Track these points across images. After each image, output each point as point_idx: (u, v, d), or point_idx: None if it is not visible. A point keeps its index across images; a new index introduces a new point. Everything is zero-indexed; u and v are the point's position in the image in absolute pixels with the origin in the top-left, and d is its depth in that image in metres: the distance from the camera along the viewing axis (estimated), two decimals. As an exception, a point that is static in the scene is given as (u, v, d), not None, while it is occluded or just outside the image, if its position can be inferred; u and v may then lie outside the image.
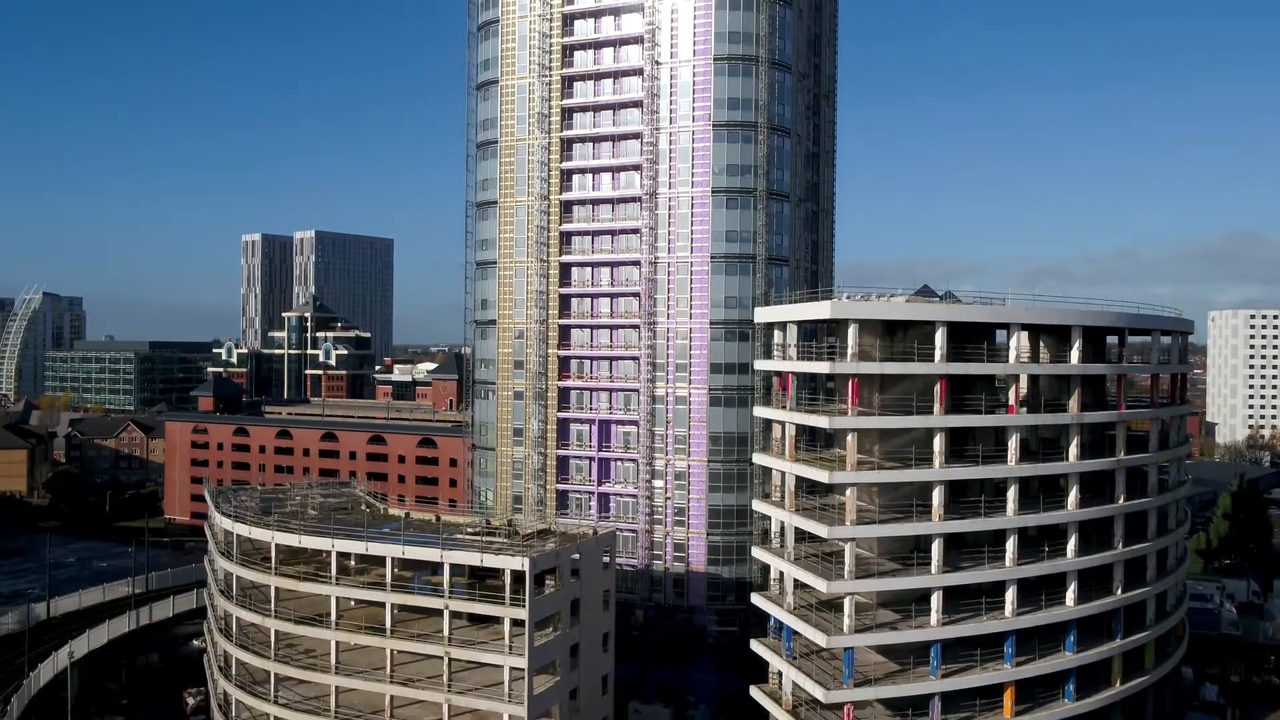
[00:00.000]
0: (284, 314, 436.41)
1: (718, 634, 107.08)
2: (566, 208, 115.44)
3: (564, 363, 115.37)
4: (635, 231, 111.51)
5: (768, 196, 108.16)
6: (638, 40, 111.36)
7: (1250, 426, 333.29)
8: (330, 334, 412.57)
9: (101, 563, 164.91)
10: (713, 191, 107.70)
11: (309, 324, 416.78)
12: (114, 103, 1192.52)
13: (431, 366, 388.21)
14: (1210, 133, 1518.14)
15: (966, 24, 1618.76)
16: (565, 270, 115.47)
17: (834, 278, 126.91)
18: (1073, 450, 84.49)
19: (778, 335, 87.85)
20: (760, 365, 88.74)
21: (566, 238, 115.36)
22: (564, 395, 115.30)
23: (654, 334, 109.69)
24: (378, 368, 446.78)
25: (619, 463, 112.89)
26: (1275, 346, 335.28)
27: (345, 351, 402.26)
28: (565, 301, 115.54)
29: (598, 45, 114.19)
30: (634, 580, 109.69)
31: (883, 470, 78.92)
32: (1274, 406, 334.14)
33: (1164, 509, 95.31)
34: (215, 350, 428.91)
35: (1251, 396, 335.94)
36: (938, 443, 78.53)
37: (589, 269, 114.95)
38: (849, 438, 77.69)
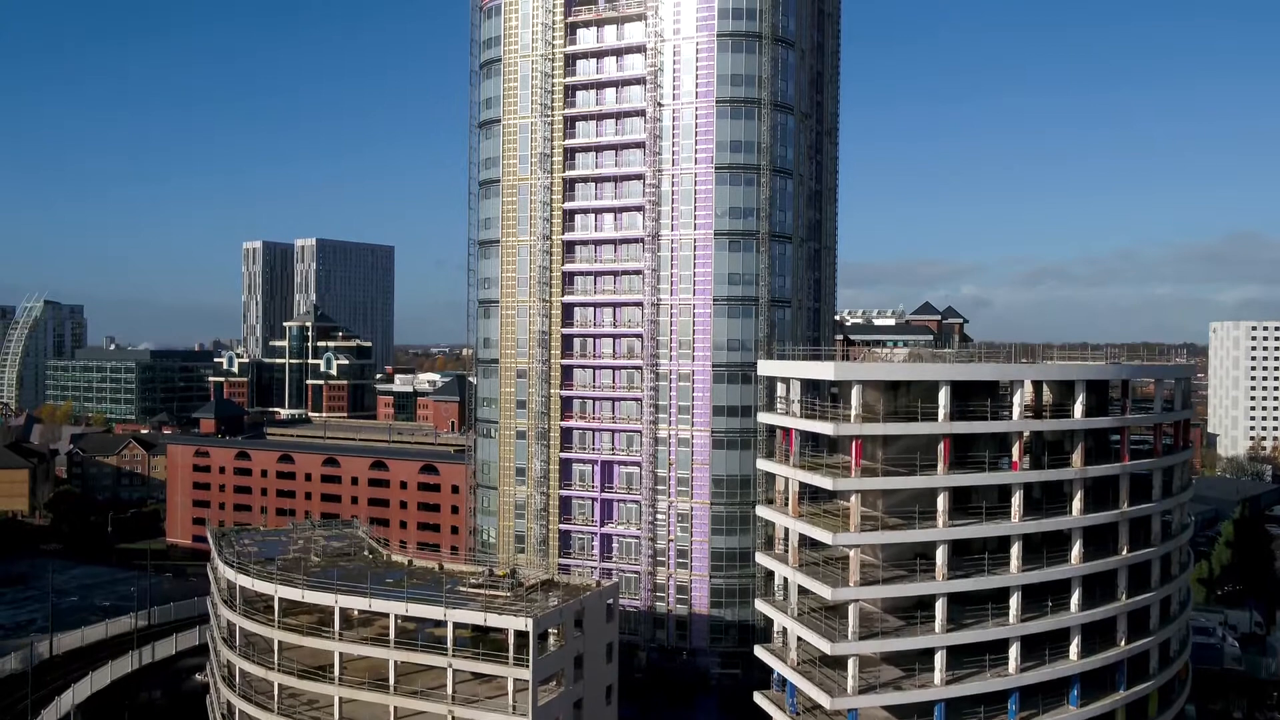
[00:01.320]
0: (285, 323, 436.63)
1: (720, 676, 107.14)
2: (569, 248, 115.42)
3: (566, 403, 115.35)
4: (638, 273, 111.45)
5: (770, 239, 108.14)
6: (640, 81, 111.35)
7: (1251, 438, 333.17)
8: (331, 343, 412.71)
9: (104, 593, 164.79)
10: (715, 234, 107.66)
11: (310, 333, 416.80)
12: (116, 107, 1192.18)
13: (433, 376, 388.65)
14: (1211, 133, 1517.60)
15: (967, 25, 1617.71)
16: (568, 310, 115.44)
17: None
18: (1076, 504, 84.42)
19: (780, 388, 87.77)
20: (763, 418, 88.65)
21: (569, 278, 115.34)
22: (566, 435, 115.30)
23: (656, 375, 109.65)
24: (379, 375, 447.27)
25: (622, 504, 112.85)
26: (1277, 358, 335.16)
27: (346, 361, 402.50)
28: (568, 341, 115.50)
29: (600, 86, 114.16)
30: (637, 621, 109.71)
31: (886, 531, 78.86)
32: (1275, 418, 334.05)
33: (1168, 556, 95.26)
34: (217, 360, 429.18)
35: (1253, 408, 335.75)
36: (941, 502, 78.51)
37: (591, 309, 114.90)
38: (852, 498, 77.64)
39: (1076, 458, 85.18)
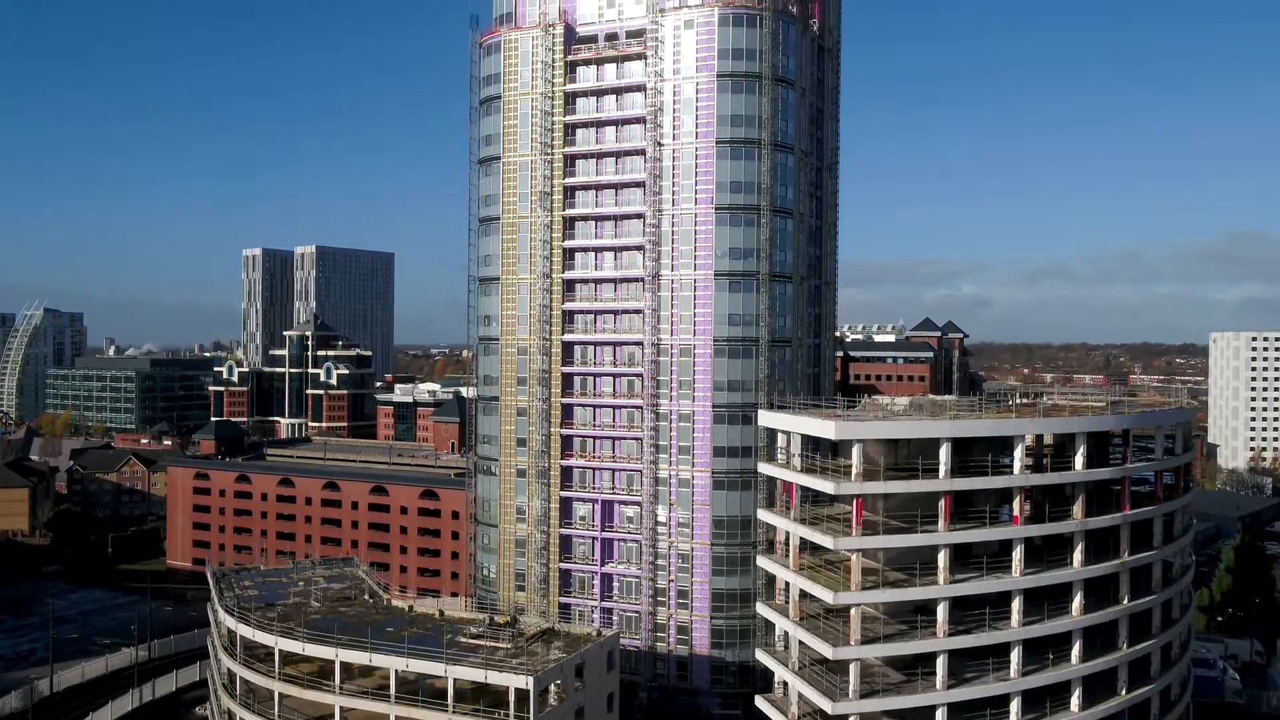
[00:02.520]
0: (285, 332, 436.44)
1: (721, 717, 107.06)
2: (569, 286, 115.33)
3: (567, 441, 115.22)
4: (638, 312, 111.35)
5: (770, 279, 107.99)
6: (640, 121, 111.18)
7: (1252, 448, 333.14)
8: (331, 352, 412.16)
9: (104, 619, 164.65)
10: (715, 275, 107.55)
11: (309, 342, 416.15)
12: (117, 110, 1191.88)
13: (433, 386, 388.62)
14: (1213, 133, 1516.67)
15: (968, 26, 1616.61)
16: (568, 348, 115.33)
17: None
18: (1077, 555, 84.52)
19: (781, 438, 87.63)
20: (764, 469, 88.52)
21: (569, 316, 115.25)
22: (566, 474, 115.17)
23: (657, 415, 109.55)
24: (379, 384, 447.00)
25: (622, 543, 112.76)
26: (1276, 369, 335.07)
27: (346, 371, 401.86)
28: (568, 380, 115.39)
29: (600, 124, 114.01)
30: (637, 661, 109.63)
31: (888, 589, 78.79)
32: (1276, 428, 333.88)
33: (1169, 601, 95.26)
34: (216, 369, 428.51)
35: (1253, 419, 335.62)
36: (942, 559, 78.55)
37: (592, 348, 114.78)
38: (853, 556, 77.54)
39: (1077, 509, 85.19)
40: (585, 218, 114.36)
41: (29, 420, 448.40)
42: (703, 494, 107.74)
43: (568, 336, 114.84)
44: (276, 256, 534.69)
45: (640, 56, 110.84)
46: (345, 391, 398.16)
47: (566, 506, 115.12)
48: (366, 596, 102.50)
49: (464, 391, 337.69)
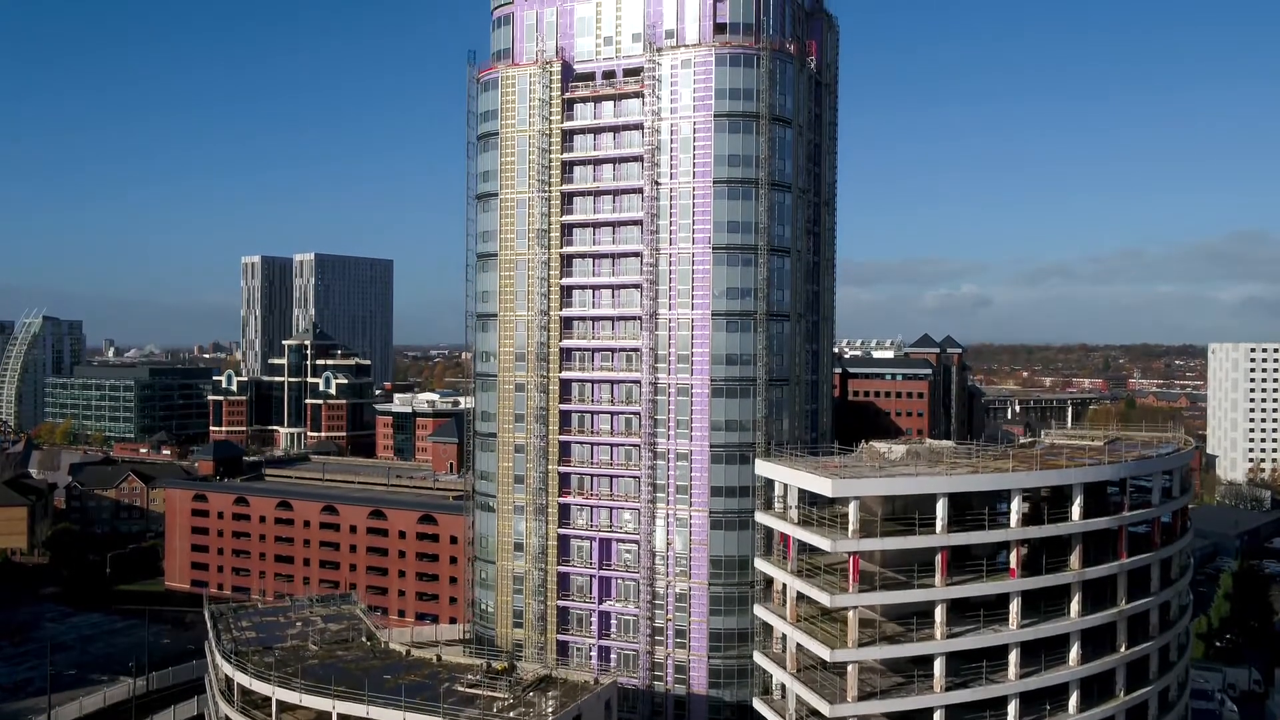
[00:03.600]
0: (284, 341, 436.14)
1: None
2: (566, 323, 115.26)
3: (564, 479, 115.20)
4: (635, 350, 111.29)
5: (768, 319, 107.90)
6: (637, 159, 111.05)
7: (1251, 459, 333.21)
8: (330, 361, 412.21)
9: (102, 645, 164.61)
10: (712, 314, 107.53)
11: (308, 351, 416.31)
12: (120, 113, 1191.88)
13: (431, 396, 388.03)
14: (1216, 133, 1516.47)
15: (969, 27, 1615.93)
16: (565, 386, 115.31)
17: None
18: (1074, 606, 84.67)
19: (778, 488, 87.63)
20: (760, 519, 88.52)
21: (566, 353, 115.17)
22: (564, 511, 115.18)
23: (654, 454, 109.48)
24: (378, 392, 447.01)
25: (620, 581, 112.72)
26: (1275, 381, 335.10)
27: (345, 380, 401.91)
28: (565, 417, 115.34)
29: (597, 162, 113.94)
30: (635, 700, 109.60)
31: (885, 644, 78.79)
32: (1274, 440, 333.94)
33: (1166, 645, 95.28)
34: (215, 378, 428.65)
35: (1252, 430, 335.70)
36: (939, 613, 78.63)
37: (590, 385, 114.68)
38: (850, 613, 77.53)
39: (1074, 559, 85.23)
40: (583, 255, 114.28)
41: (28, 429, 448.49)
42: (700, 534, 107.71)
43: (565, 374, 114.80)
44: (275, 264, 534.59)
45: (638, 95, 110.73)
46: (344, 401, 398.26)
47: (565, 543, 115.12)
48: (364, 639, 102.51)
49: (462, 402, 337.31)
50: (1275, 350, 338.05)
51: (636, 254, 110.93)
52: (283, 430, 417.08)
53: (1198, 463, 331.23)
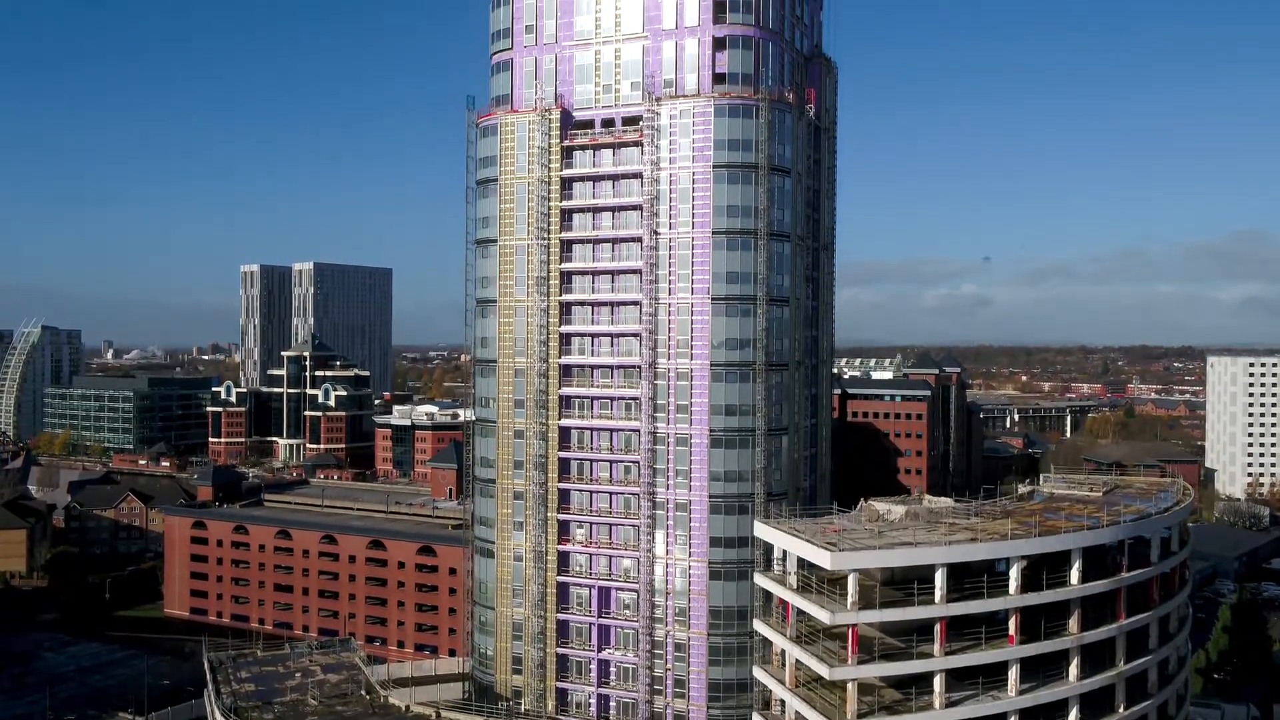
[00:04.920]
0: (283, 353, 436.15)
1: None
2: (565, 371, 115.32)
3: (564, 526, 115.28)
4: (635, 399, 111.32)
5: (767, 369, 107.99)
6: (636, 208, 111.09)
7: (1249, 475, 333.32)
8: (329, 373, 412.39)
9: (101, 677, 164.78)
10: (711, 365, 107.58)
11: (308, 363, 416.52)
12: (122, 113, 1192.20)
13: (431, 409, 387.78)
14: (1217, 133, 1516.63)
15: (971, 28, 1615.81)
16: (565, 433, 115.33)
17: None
18: (1073, 670, 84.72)
19: (777, 551, 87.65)
20: (760, 581, 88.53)
21: (566, 401, 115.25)
22: (564, 558, 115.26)
23: (653, 504, 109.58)
24: (377, 402, 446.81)
25: (619, 629, 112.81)
26: (1274, 396, 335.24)
27: (344, 393, 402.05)
28: (564, 464, 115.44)
29: (596, 210, 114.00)
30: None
31: (885, 715, 78.84)
32: (1274, 455, 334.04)
33: (1165, 702, 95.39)
34: (215, 389, 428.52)
35: (1251, 444, 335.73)
36: (938, 683, 78.75)
37: (589, 433, 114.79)
38: (850, 684, 77.63)
39: (1073, 623, 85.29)
40: (582, 303, 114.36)
41: (27, 439, 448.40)
42: (699, 583, 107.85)
43: (565, 421, 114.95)
44: (274, 273, 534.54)
45: (637, 144, 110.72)
46: (343, 414, 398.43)
47: (564, 591, 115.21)
48: (363, 692, 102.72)
49: (461, 414, 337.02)
50: (1274, 364, 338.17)
51: (636, 303, 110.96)
52: (282, 442, 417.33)
53: (1196, 477, 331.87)
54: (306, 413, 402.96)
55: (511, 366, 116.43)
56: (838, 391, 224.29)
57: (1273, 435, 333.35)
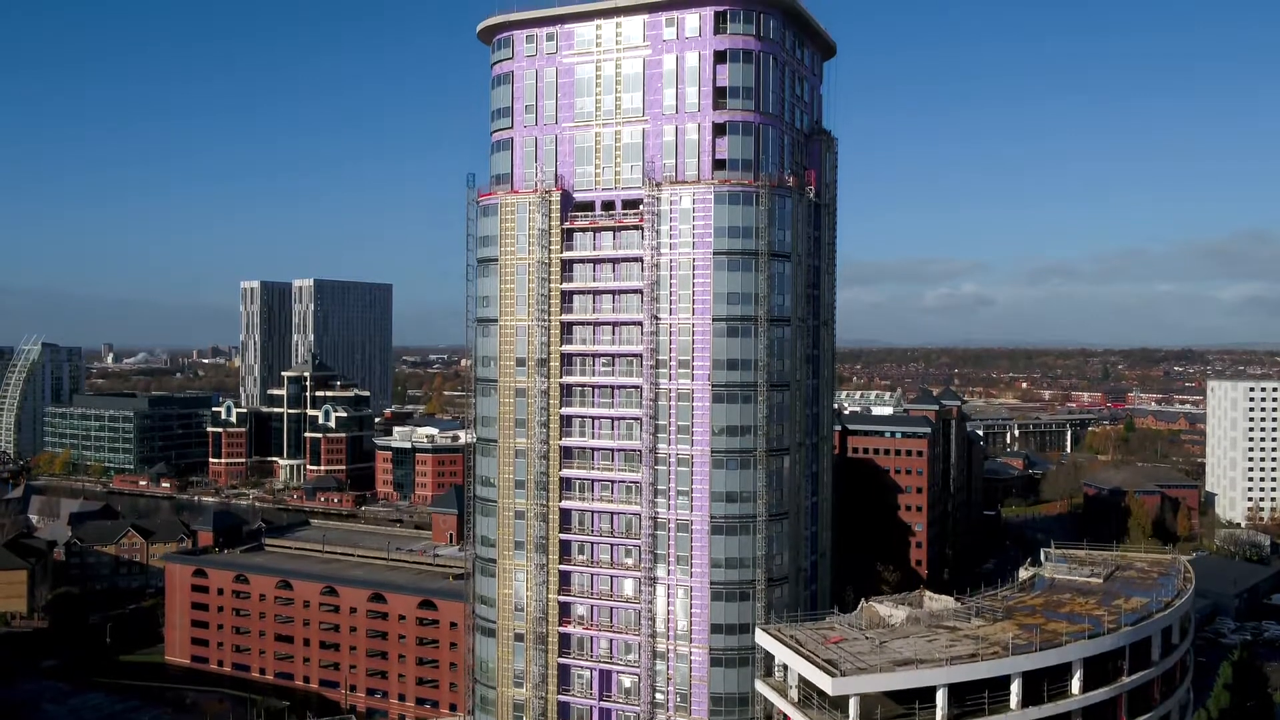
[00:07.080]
0: (284, 373, 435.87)
1: None
2: (566, 452, 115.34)
3: (565, 608, 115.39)
4: (635, 483, 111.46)
5: (767, 455, 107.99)
6: (636, 292, 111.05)
7: (1250, 500, 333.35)
8: (330, 393, 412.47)
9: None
10: (711, 452, 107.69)
11: (308, 383, 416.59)
12: (123, 115, 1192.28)
13: (430, 431, 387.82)
14: (1218, 133, 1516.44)
15: (973, 30, 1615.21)
16: (565, 515, 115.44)
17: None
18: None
19: (778, 657, 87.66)
20: (760, 688, 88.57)
21: (567, 482, 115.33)
22: (565, 640, 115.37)
23: (654, 590, 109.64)
24: (378, 420, 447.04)
25: (621, 713, 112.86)
26: (1275, 420, 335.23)
27: (345, 414, 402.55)
28: (565, 546, 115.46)
29: (597, 293, 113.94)
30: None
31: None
32: (1274, 480, 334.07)
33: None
34: (215, 409, 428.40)
35: (1251, 470, 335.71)
36: (939, 804, 78.87)
37: (590, 514, 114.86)
38: (851, 807, 77.71)
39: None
40: (583, 386, 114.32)
41: (27, 457, 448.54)
42: (700, 671, 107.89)
43: (565, 503, 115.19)
44: (274, 289, 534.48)
45: (637, 228, 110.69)
46: (344, 435, 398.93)
47: (565, 673, 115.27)
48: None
49: (462, 436, 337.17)
50: (1274, 388, 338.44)
51: (636, 387, 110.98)
52: (282, 462, 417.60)
53: (1196, 501, 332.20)
54: (307, 434, 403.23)
55: (512, 446, 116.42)
56: (838, 428, 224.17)
57: (1273, 460, 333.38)
